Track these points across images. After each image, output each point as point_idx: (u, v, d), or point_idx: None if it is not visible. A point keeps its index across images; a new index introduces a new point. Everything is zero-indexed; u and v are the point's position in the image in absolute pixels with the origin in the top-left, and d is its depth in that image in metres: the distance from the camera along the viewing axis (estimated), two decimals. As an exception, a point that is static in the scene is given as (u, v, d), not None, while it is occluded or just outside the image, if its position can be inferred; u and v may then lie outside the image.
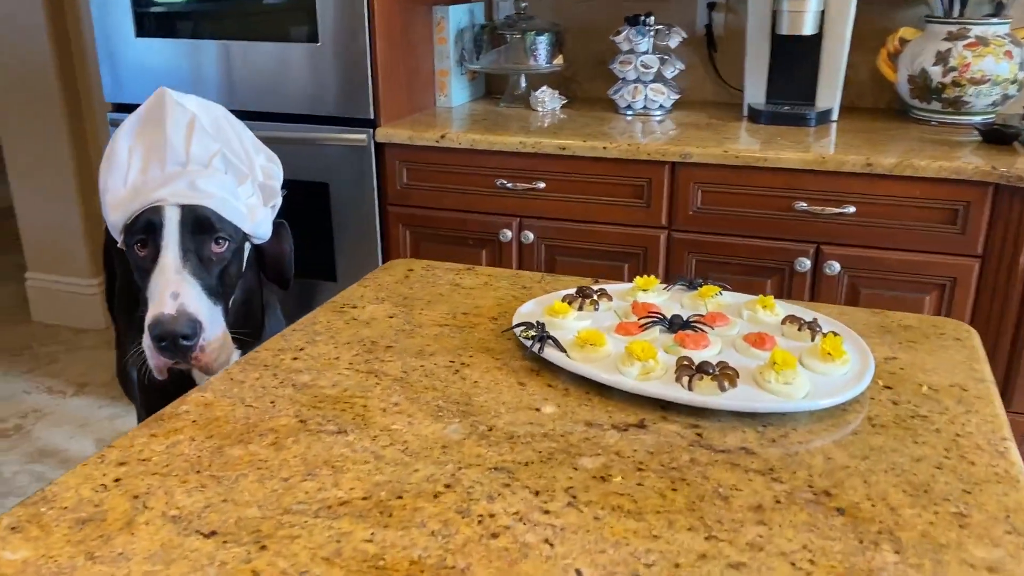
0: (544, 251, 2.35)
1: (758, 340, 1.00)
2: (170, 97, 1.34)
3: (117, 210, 1.29)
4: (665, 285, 1.20)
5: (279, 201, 1.47)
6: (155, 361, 1.25)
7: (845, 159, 2.02)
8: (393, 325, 1.13)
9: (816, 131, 2.31)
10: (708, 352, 1.00)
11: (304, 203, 2.55)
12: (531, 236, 2.33)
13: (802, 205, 2.10)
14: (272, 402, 0.94)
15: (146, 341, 1.23)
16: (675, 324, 1.05)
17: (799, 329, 1.04)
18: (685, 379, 0.92)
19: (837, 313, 1.17)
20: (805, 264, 2.13)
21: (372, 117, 2.39)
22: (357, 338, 1.10)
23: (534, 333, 1.03)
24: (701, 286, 1.17)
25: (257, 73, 2.45)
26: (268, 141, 2.58)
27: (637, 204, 2.24)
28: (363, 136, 2.38)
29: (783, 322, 1.06)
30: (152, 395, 1.47)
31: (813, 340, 1.02)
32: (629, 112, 2.56)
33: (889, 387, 0.97)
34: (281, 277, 1.53)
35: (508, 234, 2.35)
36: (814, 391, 0.92)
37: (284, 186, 1.49)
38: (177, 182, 1.28)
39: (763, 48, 2.44)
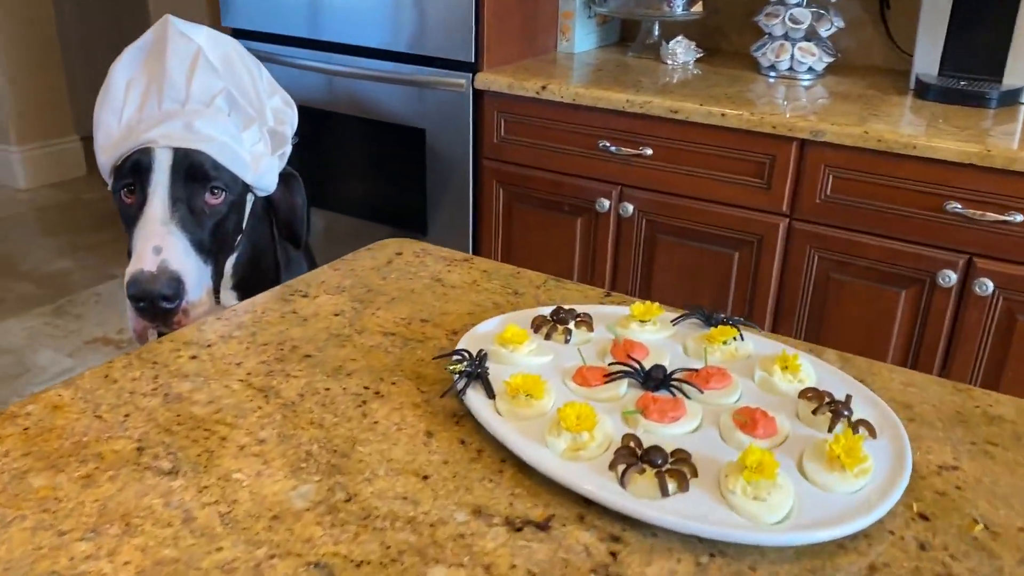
0: (644, 227, 2.08)
1: (750, 421, 0.73)
2: (175, 26, 1.18)
3: (108, 150, 1.16)
4: (677, 316, 0.93)
5: (288, 150, 1.29)
6: (133, 323, 1.11)
7: (1019, 156, 1.61)
8: (331, 327, 0.94)
9: (996, 114, 1.88)
10: (676, 428, 0.73)
11: (399, 149, 2.39)
12: (631, 208, 2.06)
13: (955, 206, 1.70)
14: (126, 416, 0.78)
15: (125, 302, 1.10)
16: (650, 379, 0.79)
17: (816, 411, 0.75)
18: (620, 468, 0.67)
19: (902, 384, 0.86)
20: (950, 278, 1.74)
21: (473, 60, 2.17)
22: (280, 339, 0.91)
23: (465, 367, 0.80)
24: (720, 323, 0.90)
25: (357, 3, 2.29)
26: (365, 79, 2.44)
27: (756, 184, 1.91)
28: (462, 81, 2.17)
29: (801, 395, 0.78)
30: None
31: (830, 431, 0.73)
32: (772, 74, 2.20)
33: (925, 517, 0.68)
34: (293, 234, 1.36)
35: (606, 204, 2.09)
36: (799, 512, 0.64)
37: (297, 135, 1.32)
38: (172, 122, 1.13)
39: (942, 5, 2.00)
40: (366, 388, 0.83)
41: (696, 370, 0.81)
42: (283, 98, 1.31)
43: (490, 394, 0.78)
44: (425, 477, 0.70)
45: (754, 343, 0.89)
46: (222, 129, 1.16)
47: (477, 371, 0.80)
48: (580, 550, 0.63)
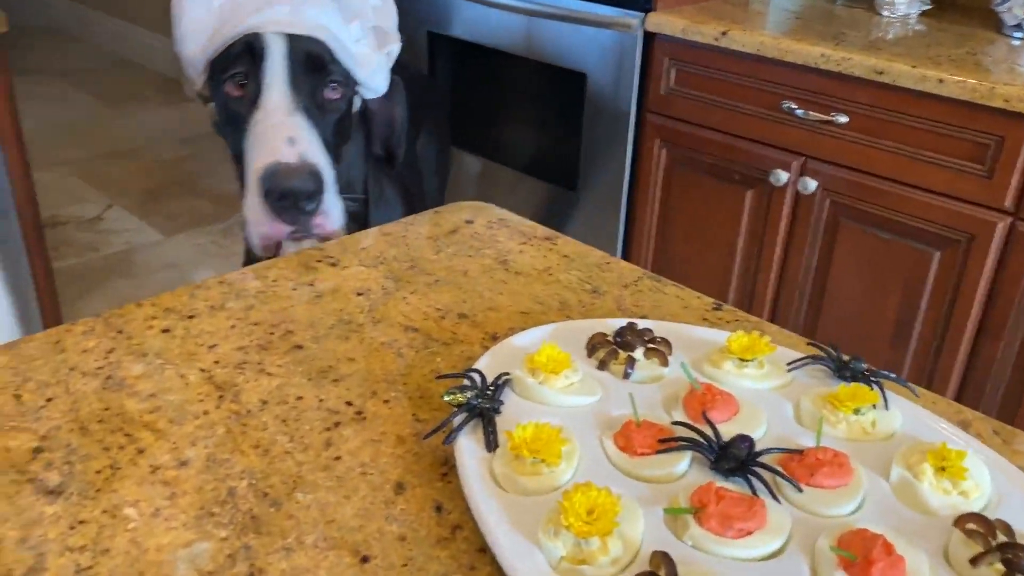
0: (827, 208, 1.74)
1: (863, 559, 0.46)
2: None
3: (197, 40, 1.01)
4: (797, 360, 0.65)
5: (396, 49, 1.13)
6: (267, 229, 0.96)
7: None
8: (345, 310, 0.74)
9: None
10: (743, 550, 0.48)
11: (556, 94, 2.15)
12: (812, 185, 1.73)
13: None
14: (48, 400, 0.62)
15: (252, 203, 0.94)
16: (726, 458, 0.53)
17: (977, 561, 0.47)
18: (631, 610, 0.43)
19: None
20: None
21: (645, -2, 1.89)
22: (276, 319, 0.73)
23: (469, 398, 0.58)
24: (859, 377, 0.62)
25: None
26: (526, 12, 2.18)
27: (973, 171, 1.53)
28: (632, 20, 1.90)
29: (959, 523, 0.49)
30: None
31: None
32: (1017, 35, 1.77)
33: None
34: (389, 153, 1.20)
35: (783, 177, 1.77)
36: None
37: (402, 35, 1.14)
38: (278, 6, 0.98)
39: None
40: (348, 404, 0.62)
41: (802, 451, 0.54)
42: None
43: (491, 446, 0.55)
44: (365, 559, 0.50)
45: (904, 416, 0.60)
46: (330, 19, 1.01)
47: (483, 408, 0.57)
48: None
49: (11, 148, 1.70)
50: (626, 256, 2.14)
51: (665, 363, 0.64)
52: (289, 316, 0.73)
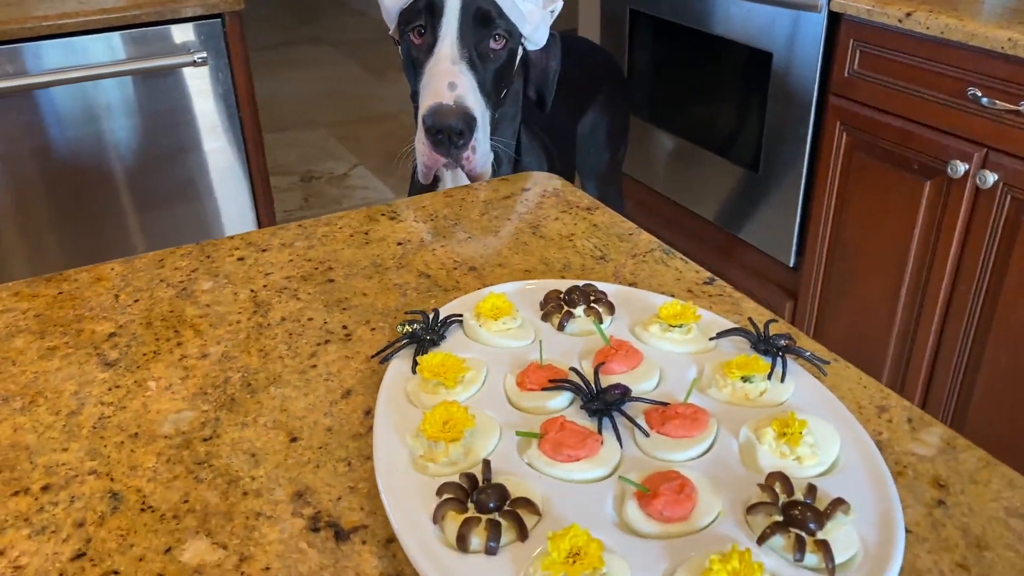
0: (1008, 206, 1.62)
1: (654, 493, 0.52)
2: None
3: None
4: (724, 330, 0.70)
5: (559, 6, 1.28)
6: (426, 158, 1.17)
7: None
8: (381, 255, 0.88)
9: None
10: (570, 471, 0.55)
11: (742, 73, 2.14)
12: (992, 179, 1.62)
13: None
14: (136, 301, 0.81)
15: (419, 136, 1.17)
16: (595, 400, 0.60)
17: (751, 510, 0.51)
18: (439, 503, 0.53)
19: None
20: None
21: (833, -24, 1.84)
22: (326, 257, 0.88)
23: (415, 329, 0.69)
24: (774, 351, 0.66)
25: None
26: None
27: None
28: (818, 0, 1.85)
29: (767, 480, 0.53)
30: None
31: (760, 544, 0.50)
32: None
33: None
34: (540, 98, 1.37)
35: (960, 168, 1.67)
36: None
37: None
38: None
39: None
40: (344, 327, 0.76)
41: (667, 404, 0.61)
42: None
43: (413, 368, 0.66)
44: (294, 439, 0.63)
45: (799, 390, 0.64)
46: None
47: (422, 338, 0.69)
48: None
49: (246, 111, 2.01)
50: (802, 241, 2.10)
51: (600, 320, 0.72)
52: (336, 256, 0.88)
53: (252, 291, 0.82)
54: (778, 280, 2.22)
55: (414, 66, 1.21)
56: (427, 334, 0.69)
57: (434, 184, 1.30)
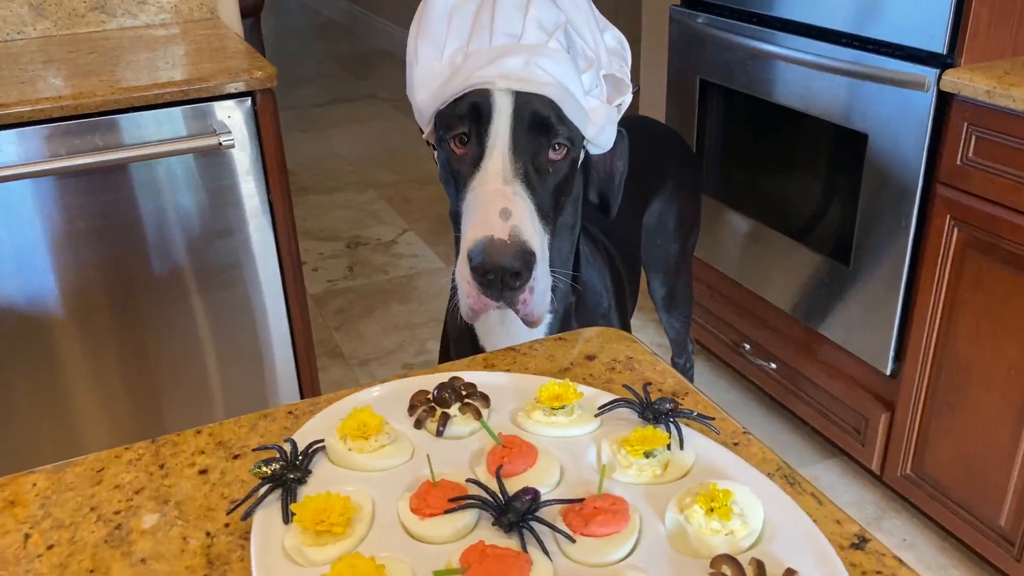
0: None
1: None
2: None
3: (429, 89, 0.98)
4: (605, 404, 0.67)
5: (628, 101, 1.04)
6: (471, 301, 0.93)
7: None
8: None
9: None
10: None
11: (833, 154, 1.89)
12: None
13: None
14: (49, 548, 0.59)
15: (462, 272, 0.93)
16: (507, 513, 0.55)
17: None
18: None
19: None
20: None
21: (943, 51, 1.59)
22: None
23: (274, 470, 0.60)
24: (662, 417, 0.64)
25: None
26: (801, 64, 1.90)
27: None
28: (925, 77, 1.60)
29: (713, 565, 0.50)
30: (454, 341, 1.21)
31: None
32: None
33: None
34: (604, 203, 1.14)
35: (1107, 282, 1.39)
36: None
37: (636, 84, 1.04)
38: (510, 59, 0.93)
39: None
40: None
41: (582, 500, 0.56)
42: (615, 36, 1.04)
43: (286, 518, 0.57)
44: None
45: (700, 455, 0.62)
46: (562, 71, 0.94)
47: (284, 478, 0.59)
48: None
49: (275, 180, 1.82)
50: (900, 347, 1.83)
51: (478, 418, 0.66)
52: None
53: (208, 535, 0.60)
54: (871, 387, 1.94)
55: (455, 180, 0.97)
56: (291, 472, 0.60)
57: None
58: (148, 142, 1.68)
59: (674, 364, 2.13)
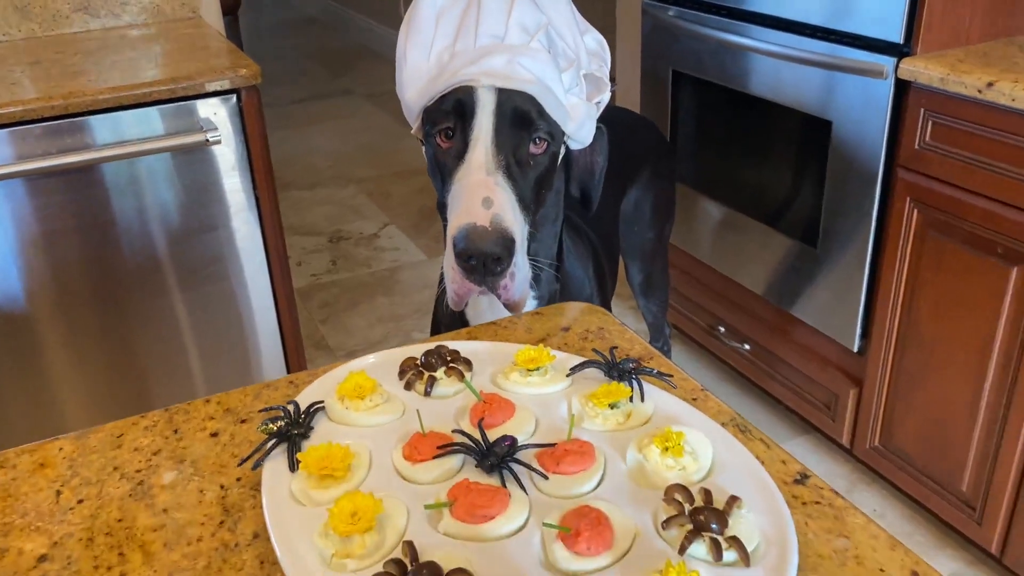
0: (1112, 300, 1.42)
1: (575, 530, 0.55)
2: None
3: (417, 88, 1.04)
4: (576, 364, 0.75)
5: (607, 99, 1.11)
6: (457, 287, 0.99)
7: None
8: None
9: None
10: (487, 529, 0.57)
11: (799, 142, 1.97)
12: (1093, 270, 1.42)
13: None
14: (80, 502, 0.66)
15: (448, 258, 0.99)
16: (488, 456, 0.63)
17: (667, 523, 0.57)
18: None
19: None
20: None
21: (900, 41, 1.67)
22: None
23: (279, 427, 0.67)
24: (626, 374, 0.72)
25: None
26: (768, 55, 1.98)
27: None
28: (883, 66, 1.68)
29: (667, 494, 0.59)
30: (445, 328, 1.27)
31: (681, 553, 0.54)
32: None
33: None
34: (585, 197, 1.20)
35: (1055, 257, 1.47)
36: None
37: (614, 81, 1.11)
38: (493, 58, 0.99)
39: None
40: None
41: (554, 444, 0.64)
42: (595, 37, 1.10)
43: (292, 467, 0.64)
44: None
45: (658, 406, 0.71)
46: (542, 70, 1.00)
47: (289, 433, 0.66)
48: None
49: (262, 188, 1.88)
50: (867, 325, 1.91)
51: (461, 379, 0.73)
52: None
53: (222, 488, 0.66)
54: (840, 365, 2.03)
55: (441, 172, 1.04)
56: (294, 428, 0.67)
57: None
58: (135, 140, 1.73)
59: (651, 347, 2.19)
